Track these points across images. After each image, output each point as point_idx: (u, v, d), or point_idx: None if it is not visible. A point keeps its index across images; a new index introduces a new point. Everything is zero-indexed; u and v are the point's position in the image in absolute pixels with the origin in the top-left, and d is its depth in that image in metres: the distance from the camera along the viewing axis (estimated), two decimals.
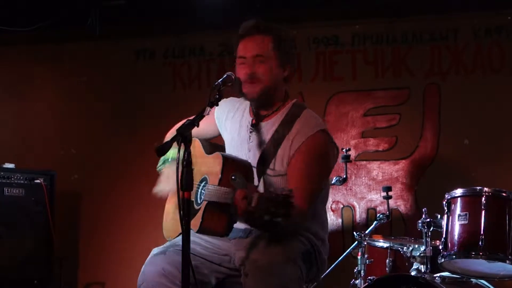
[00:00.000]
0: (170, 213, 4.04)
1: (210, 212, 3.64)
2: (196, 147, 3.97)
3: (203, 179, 3.80)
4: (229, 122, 3.97)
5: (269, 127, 3.83)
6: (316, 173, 3.70)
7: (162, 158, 4.00)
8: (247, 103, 3.93)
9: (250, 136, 3.86)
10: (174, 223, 3.94)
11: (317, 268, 3.83)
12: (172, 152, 3.88)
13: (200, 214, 3.67)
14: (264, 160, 3.76)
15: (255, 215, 3.23)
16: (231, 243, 3.76)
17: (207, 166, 3.79)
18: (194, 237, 3.71)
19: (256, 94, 3.79)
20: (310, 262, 3.76)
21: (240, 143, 3.88)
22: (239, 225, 3.74)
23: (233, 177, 3.53)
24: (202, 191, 3.77)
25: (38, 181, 6.10)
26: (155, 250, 3.80)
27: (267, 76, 3.77)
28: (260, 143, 3.81)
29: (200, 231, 3.65)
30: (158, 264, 3.67)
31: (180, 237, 3.54)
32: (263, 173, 3.75)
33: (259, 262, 3.54)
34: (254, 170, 3.76)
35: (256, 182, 3.72)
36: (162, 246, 3.81)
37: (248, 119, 3.91)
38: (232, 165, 3.69)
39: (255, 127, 3.87)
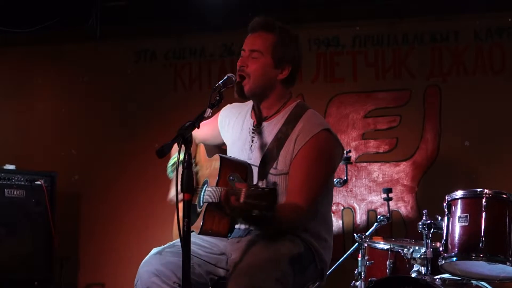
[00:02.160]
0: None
1: (210, 213, 3.65)
2: (201, 152, 4.00)
3: (205, 182, 3.82)
4: (231, 127, 3.99)
5: (271, 128, 3.82)
6: (318, 172, 3.68)
7: (171, 163, 4.00)
8: (249, 107, 3.96)
9: (252, 137, 3.86)
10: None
11: (315, 270, 3.79)
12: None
13: (201, 216, 3.68)
14: (267, 160, 3.75)
15: (244, 211, 3.20)
16: (228, 243, 3.76)
17: (209, 169, 3.82)
18: (194, 237, 3.72)
19: (247, 91, 3.79)
20: (301, 265, 3.69)
21: (242, 145, 3.88)
22: (242, 225, 3.76)
23: (230, 177, 3.54)
24: (203, 193, 3.78)
25: (38, 182, 6.10)
26: (154, 250, 3.80)
27: (257, 72, 3.77)
28: (263, 143, 3.80)
29: (202, 232, 3.67)
30: (152, 264, 3.67)
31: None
32: (265, 173, 3.74)
33: (239, 263, 3.55)
34: (257, 170, 3.76)
35: (256, 182, 3.72)
36: (162, 246, 3.81)
37: (249, 121, 3.92)
38: (230, 166, 3.69)
39: (257, 128, 3.87)
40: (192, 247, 3.68)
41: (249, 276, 3.45)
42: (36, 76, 7.11)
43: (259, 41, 3.81)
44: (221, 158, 3.71)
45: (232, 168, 3.68)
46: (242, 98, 3.84)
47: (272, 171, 3.73)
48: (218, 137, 4.09)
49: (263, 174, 3.74)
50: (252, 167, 3.76)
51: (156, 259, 3.68)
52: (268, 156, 3.76)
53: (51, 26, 6.63)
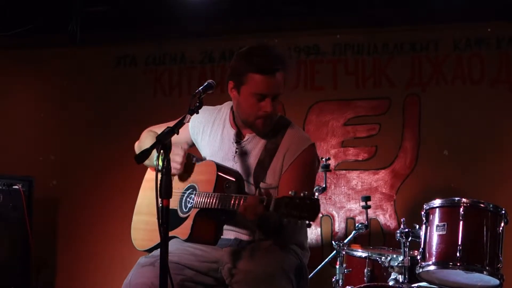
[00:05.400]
0: (142, 222, 3.99)
1: (200, 219, 3.63)
2: None
3: (190, 187, 3.78)
4: (207, 135, 3.93)
5: (257, 140, 3.81)
6: (308, 185, 3.76)
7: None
8: (225, 112, 3.93)
9: (236, 148, 3.83)
10: (146, 233, 3.92)
11: (304, 281, 3.83)
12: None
13: (189, 222, 3.64)
14: (259, 172, 3.75)
15: (271, 220, 3.43)
16: (223, 252, 3.71)
17: (194, 173, 3.78)
18: (183, 245, 3.70)
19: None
20: (300, 276, 3.77)
21: (223, 155, 3.83)
22: (229, 235, 3.74)
23: (227, 185, 3.55)
24: (189, 199, 3.75)
25: (16, 187, 6.06)
26: (142, 260, 3.72)
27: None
28: (249, 155, 3.79)
29: (190, 239, 3.64)
30: (146, 276, 3.58)
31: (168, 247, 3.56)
32: (258, 185, 3.74)
33: (254, 272, 3.55)
34: (244, 181, 3.75)
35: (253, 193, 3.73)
36: (149, 255, 3.74)
37: (230, 131, 3.87)
38: (225, 173, 3.69)
39: (241, 139, 3.84)
40: (183, 255, 3.67)
41: (267, 285, 3.52)
42: (15, 81, 7.06)
43: None
44: (217, 165, 3.69)
45: (228, 176, 3.68)
46: None
47: (261, 184, 3.74)
48: (186, 142, 4.01)
49: (257, 186, 3.73)
50: None
51: (150, 272, 3.58)
52: (260, 168, 3.75)
53: (31, 31, 6.59)
